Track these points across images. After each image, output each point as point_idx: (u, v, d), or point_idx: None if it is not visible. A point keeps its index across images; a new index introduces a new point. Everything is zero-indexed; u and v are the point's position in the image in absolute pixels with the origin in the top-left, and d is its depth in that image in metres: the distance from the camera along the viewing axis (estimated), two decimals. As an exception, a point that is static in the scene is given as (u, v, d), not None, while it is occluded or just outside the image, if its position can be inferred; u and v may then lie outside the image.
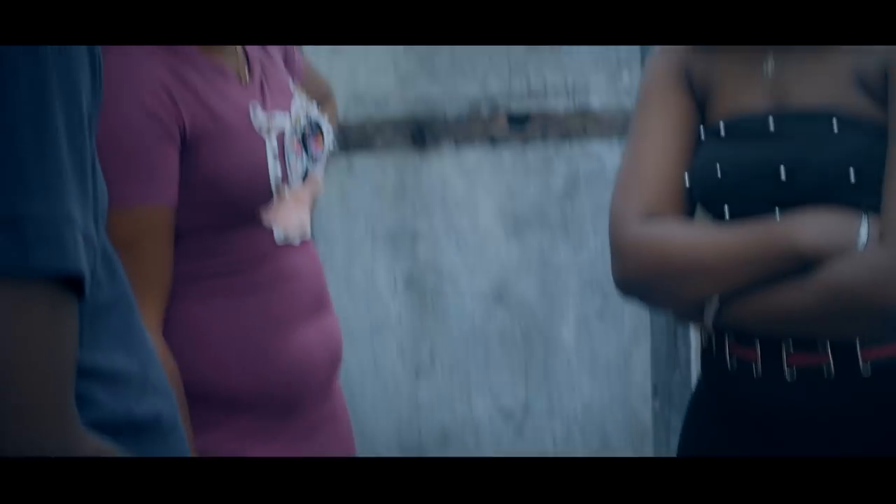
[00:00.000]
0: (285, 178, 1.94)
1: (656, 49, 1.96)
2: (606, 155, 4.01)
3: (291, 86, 2.08)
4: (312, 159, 2.01)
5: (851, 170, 1.75)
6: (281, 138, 1.95)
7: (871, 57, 1.78)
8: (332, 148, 2.08)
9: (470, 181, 4.09)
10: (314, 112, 2.06)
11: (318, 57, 3.94)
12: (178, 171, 1.84)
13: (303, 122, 2.00)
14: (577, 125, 4.04)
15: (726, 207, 1.81)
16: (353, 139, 4.02)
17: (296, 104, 2.02)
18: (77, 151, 1.10)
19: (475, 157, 4.08)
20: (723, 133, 1.85)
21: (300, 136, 1.99)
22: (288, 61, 2.16)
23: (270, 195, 1.92)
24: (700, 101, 1.90)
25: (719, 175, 1.82)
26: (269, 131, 1.94)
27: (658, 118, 1.90)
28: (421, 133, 4.07)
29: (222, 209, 1.89)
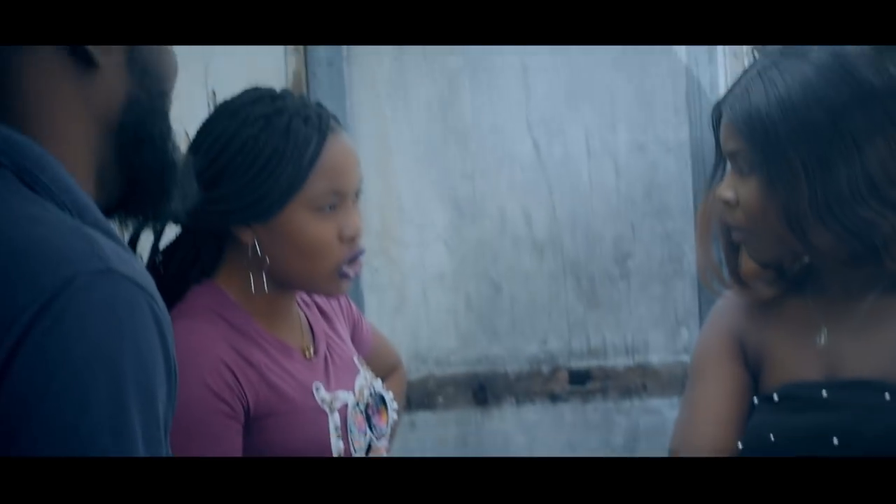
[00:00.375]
0: (347, 453, 1.96)
1: (710, 318, 2.00)
2: (666, 410, 4.02)
3: (356, 361, 2.11)
4: (376, 433, 2.03)
5: None
6: (344, 413, 1.97)
7: None
8: (396, 419, 2.11)
9: (531, 437, 4.10)
10: (378, 386, 2.08)
11: (381, 319, 4.02)
12: (241, 448, 1.87)
13: (366, 397, 2.03)
14: (636, 382, 4.07)
15: None
16: (414, 397, 4.06)
17: (360, 380, 2.05)
18: (153, 456, 1.14)
19: (536, 414, 4.11)
20: (776, 400, 1.88)
21: (363, 411, 2.02)
22: (356, 333, 2.20)
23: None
24: (753, 371, 1.94)
25: (772, 441, 1.84)
26: (332, 407, 1.96)
27: (712, 386, 1.93)
28: (482, 390, 4.11)
29: None
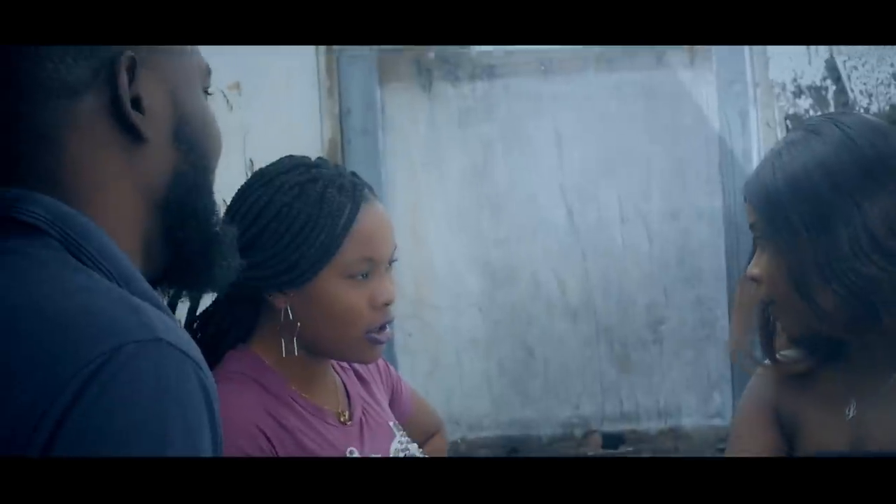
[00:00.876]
0: None
1: (749, 387, 2.04)
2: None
3: (392, 426, 2.11)
4: None
5: None
6: None
7: None
8: None
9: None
10: (414, 450, 2.08)
11: (414, 382, 4.05)
12: None
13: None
14: (669, 445, 4.09)
15: None
16: (448, 460, 4.08)
17: (395, 444, 2.06)
18: None
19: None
20: None
21: None
22: (395, 397, 2.21)
23: None
24: (788, 438, 1.98)
25: None
26: None
27: (745, 453, 1.98)
28: (515, 453, 4.13)
29: None
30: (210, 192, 1.38)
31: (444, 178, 4.13)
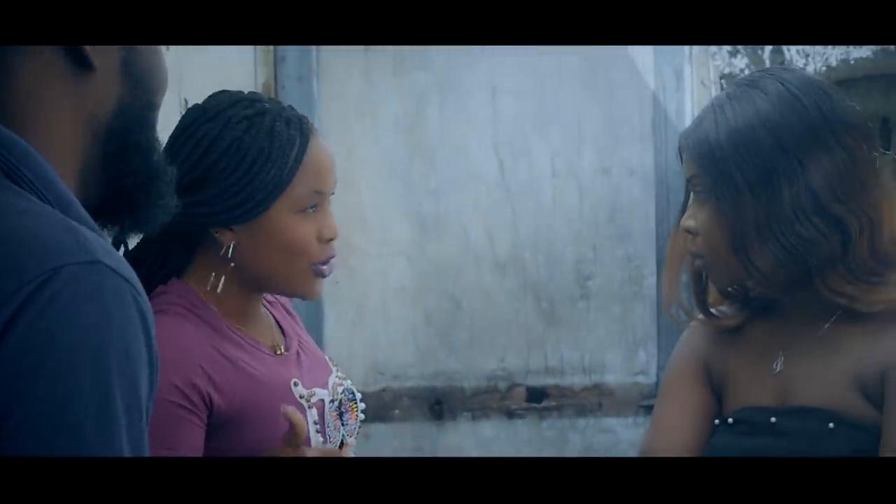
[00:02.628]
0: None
1: (680, 342, 2.05)
2: (621, 430, 4.08)
3: (328, 360, 2.13)
4: (348, 430, 2.06)
5: None
6: (321, 408, 1.99)
7: (872, 363, 1.85)
8: (363, 418, 2.13)
9: (485, 452, 4.14)
10: (349, 384, 2.10)
11: (340, 330, 4.06)
12: (202, 444, 1.89)
13: (339, 394, 2.05)
14: (592, 401, 4.12)
15: None
16: (370, 409, 4.09)
17: (332, 378, 2.07)
18: (136, 446, 1.17)
19: (491, 430, 4.15)
20: (731, 423, 1.93)
21: (337, 408, 2.03)
22: None
23: None
24: (718, 394, 1.99)
25: None
26: (309, 403, 1.98)
27: (676, 406, 1.99)
28: (438, 405, 4.15)
29: None
30: (153, 128, 1.37)
31: (377, 127, 4.12)
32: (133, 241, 2.00)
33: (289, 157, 1.92)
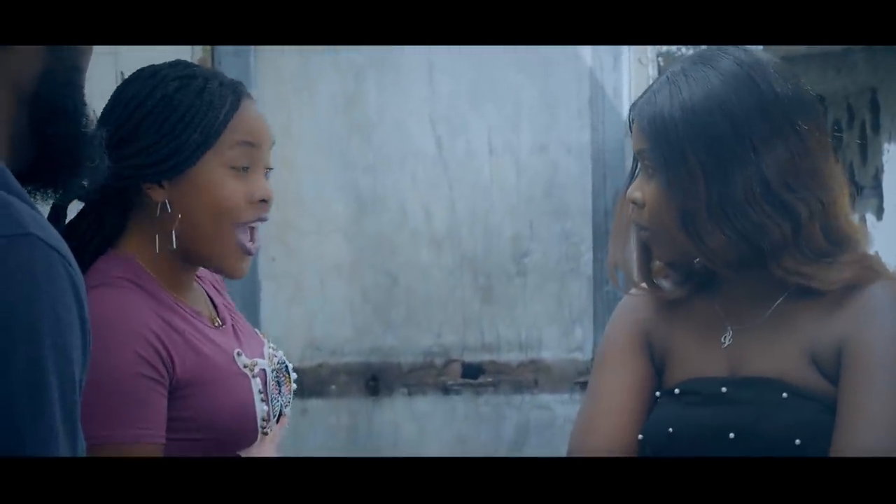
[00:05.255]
0: (269, 417, 2.00)
1: (617, 312, 2.04)
2: (557, 406, 4.10)
3: (259, 332, 2.14)
4: (284, 400, 2.07)
5: (796, 440, 1.83)
6: (263, 378, 2.01)
7: (826, 335, 1.86)
8: (296, 388, 2.15)
9: (421, 428, 4.15)
10: (282, 355, 2.12)
11: (277, 307, 4.05)
12: (166, 412, 1.90)
13: (276, 364, 2.07)
14: (528, 377, 4.14)
15: None
16: (307, 385, 4.09)
17: (267, 349, 2.09)
18: (68, 418, 1.17)
19: (427, 406, 4.16)
20: (677, 394, 1.93)
21: (276, 378, 2.05)
22: None
23: (256, 433, 1.98)
24: (658, 366, 1.98)
25: (670, 433, 1.89)
26: (252, 372, 2.00)
27: (615, 378, 1.97)
28: (375, 381, 4.15)
29: (207, 446, 1.92)
30: (80, 91, 1.37)
31: (314, 103, 4.11)
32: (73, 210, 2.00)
33: (219, 112, 1.95)
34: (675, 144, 1.84)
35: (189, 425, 1.91)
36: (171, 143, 1.93)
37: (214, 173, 1.95)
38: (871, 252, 1.93)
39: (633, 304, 2.02)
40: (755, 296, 1.92)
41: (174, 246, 1.96)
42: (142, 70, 2.00)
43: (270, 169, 2.04)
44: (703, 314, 1.97)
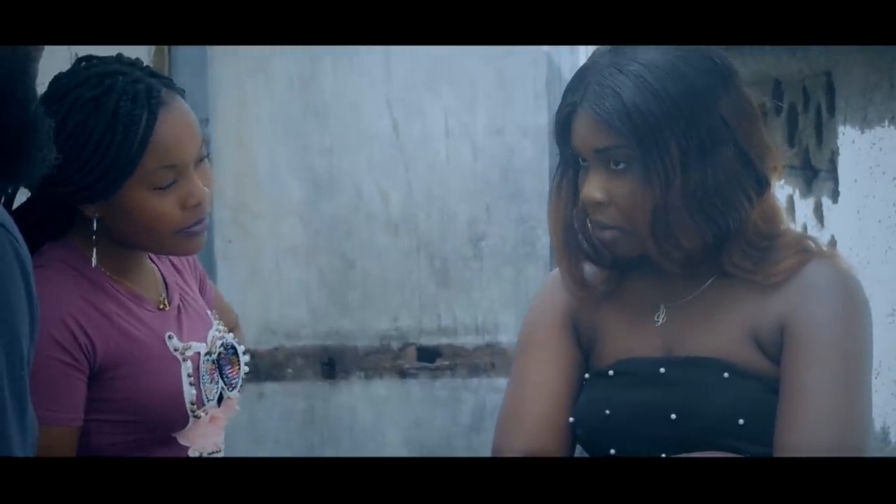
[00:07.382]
0: (199, 400, 2.00)
1: (541, 293, 2.02)
2: (513, 390, 4.11)
3: (211, 315, 2.14)
4: (228, 383, 2.07)
5: (739, 419, 1.83)
6: (196, 361, 2.01)
7: (767, 314, 1.86)
8: (248, 371, 2.14)
9: (378, 412, 4.15)
10: (231, 338, 2.12)
11: (232, 289, 4.03)
12: (85, 395, 1.90)
13: (218, 347, 2.07)
14: (485, 361, 4.14)
15: (612, 448, 1.86)
16: (263, 368, 4.08)
17: (213, 332, 2.09)
18: (17, 395, 1.17)
19: (384, 389, 4.16)
20: (611, 375, 1.92)
21: (215, 361, 2.05)
22: (200, 288, 2.23)
23: (186, 417, 1.98)
24: (585, 348, 1.97)
25: (607, 415, 1.88)
26: (184, 355, 2.00)
27: (542, 360, 1.94)
28: (331, 364, 4.15)
29: (137, 429, 1.94)
30: (31, 79, 1.36)
31: (270, 85, 4.09)
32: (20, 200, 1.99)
33: (134, 137, 1.92)
34: (657, 136, 1.81)
35: (121, 406, 1.93)
36: (91, 173, 1.92)
37: (139, 196, 1.95)
38: (794, 228, 1.93)
39: (556, 283, 1.99)
40: (690, 274, 1.90)
41: (116, 244, 1.98)
42: (59, 84, 1.97)
43: (206, 156, 2.03)
44: (632, 293, 1.94)
